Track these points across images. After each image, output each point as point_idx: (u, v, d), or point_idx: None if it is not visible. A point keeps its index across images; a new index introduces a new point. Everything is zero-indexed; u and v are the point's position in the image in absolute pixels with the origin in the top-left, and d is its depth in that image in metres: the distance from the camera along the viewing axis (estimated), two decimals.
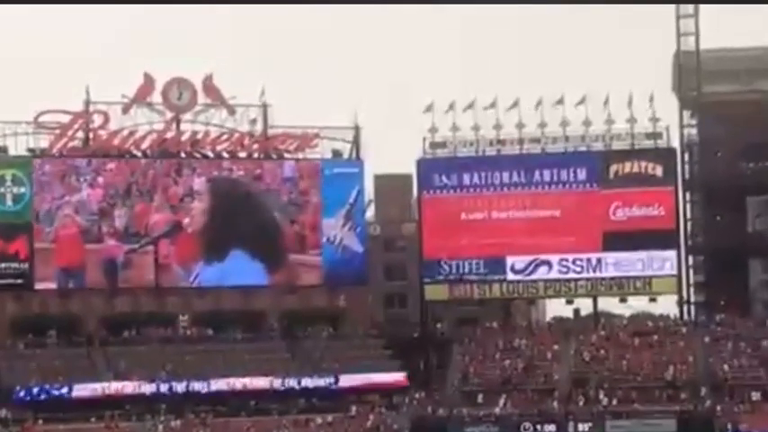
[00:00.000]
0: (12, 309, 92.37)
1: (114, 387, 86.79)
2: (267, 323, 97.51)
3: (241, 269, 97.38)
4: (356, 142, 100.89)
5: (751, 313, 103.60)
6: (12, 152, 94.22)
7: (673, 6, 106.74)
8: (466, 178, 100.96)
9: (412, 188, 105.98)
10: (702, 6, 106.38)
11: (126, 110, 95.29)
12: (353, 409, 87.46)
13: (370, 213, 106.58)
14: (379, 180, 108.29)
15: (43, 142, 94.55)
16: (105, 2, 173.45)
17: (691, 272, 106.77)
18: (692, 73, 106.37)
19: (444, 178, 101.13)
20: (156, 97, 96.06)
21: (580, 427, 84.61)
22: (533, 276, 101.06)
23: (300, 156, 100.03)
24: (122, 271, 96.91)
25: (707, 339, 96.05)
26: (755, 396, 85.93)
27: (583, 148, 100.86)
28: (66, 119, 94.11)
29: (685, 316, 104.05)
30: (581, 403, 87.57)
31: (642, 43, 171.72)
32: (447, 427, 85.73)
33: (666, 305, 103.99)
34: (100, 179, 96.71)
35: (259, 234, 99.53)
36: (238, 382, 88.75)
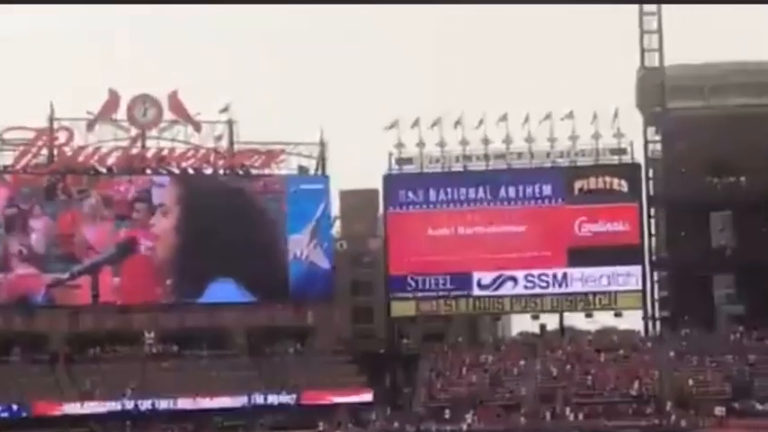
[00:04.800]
0: None
1: (78, 406, 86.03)
2: (233, 340, 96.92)
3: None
4: (322, 158, 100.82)
5: (715, 328, 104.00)
6: None
7: (637, 22, 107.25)
8: (432, 194, 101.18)
9: (378, 204, 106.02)
10: (666, 22, 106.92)
11: (91, 126, 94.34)
12: (320, 425, 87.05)
13: (336, 229, 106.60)
14: (345, 196, 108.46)
15: (8, 159, 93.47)
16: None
17: (655, 287, 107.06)
18: (655, 89, 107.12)
19: (410, 194, 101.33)
20: (122, 114, 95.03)
21: None
22: (499, 292, 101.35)
23: (266, 172, 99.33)
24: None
25: (672, 354, 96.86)
26: (719, 411, 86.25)
27: (548, 164, 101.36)
28: (32, 133, 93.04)
29: (650, 331, 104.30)
30: (548, 418, 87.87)
31: (606, 59, 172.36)
32: None
33: (631, 320, 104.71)
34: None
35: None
36: (204, 401, 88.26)
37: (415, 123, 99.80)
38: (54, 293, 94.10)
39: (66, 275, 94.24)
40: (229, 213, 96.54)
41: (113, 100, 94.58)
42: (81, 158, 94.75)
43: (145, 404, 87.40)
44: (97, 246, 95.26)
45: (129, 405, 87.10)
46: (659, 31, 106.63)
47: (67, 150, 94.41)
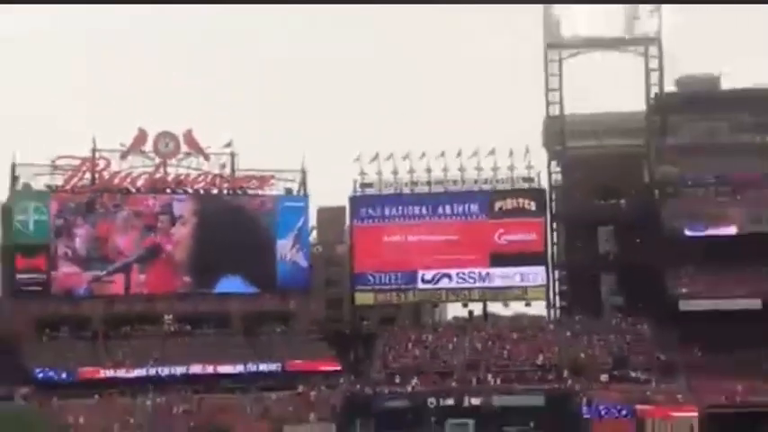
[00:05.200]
0: (34, 309, 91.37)
1: (113, 372, 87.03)
2: (233, 322, 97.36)
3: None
4: (303, 182, 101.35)
5: (601, 315, 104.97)
6: (37, 187, 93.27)
7: (543, 83, 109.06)
8: (387, 211, 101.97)
9: (345, 218, 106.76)
10: (567, 80, 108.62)
11: (124, 156, 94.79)
12: (300, 387, 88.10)
13: (313, 237, 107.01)
14: (321, 211, 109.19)
15: (59, 180, 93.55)
16: None
17: (556, 283, 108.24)
18: (557, 133, 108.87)
19: (370, 211, 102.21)
20: (148, 147, 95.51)
21: (473, 401, 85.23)
22: (437, 286, 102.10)
23: (260, 192, 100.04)
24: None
25: (568, 334, 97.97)
26: (604, 377, 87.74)
27: (475, 189, 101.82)
28: (77, 161, 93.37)
29: (552, 316, 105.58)
30: (473, 383, 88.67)
31: (521, 109, 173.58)
32: (371, 402, 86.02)
33: (538, 308, 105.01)
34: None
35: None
36: (210, 368, 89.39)
37: (374, 157, 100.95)
38: (93, 287, 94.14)
39: (103, 273, 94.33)
40: (232, 224, 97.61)
41: (142, 136, 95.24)
42: (116, 181, 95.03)
43: (164, 371, 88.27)
44: (126, 250, 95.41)
45: (152, 371, 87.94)
46: (560, 89, 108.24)
47: (105, 174, 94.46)
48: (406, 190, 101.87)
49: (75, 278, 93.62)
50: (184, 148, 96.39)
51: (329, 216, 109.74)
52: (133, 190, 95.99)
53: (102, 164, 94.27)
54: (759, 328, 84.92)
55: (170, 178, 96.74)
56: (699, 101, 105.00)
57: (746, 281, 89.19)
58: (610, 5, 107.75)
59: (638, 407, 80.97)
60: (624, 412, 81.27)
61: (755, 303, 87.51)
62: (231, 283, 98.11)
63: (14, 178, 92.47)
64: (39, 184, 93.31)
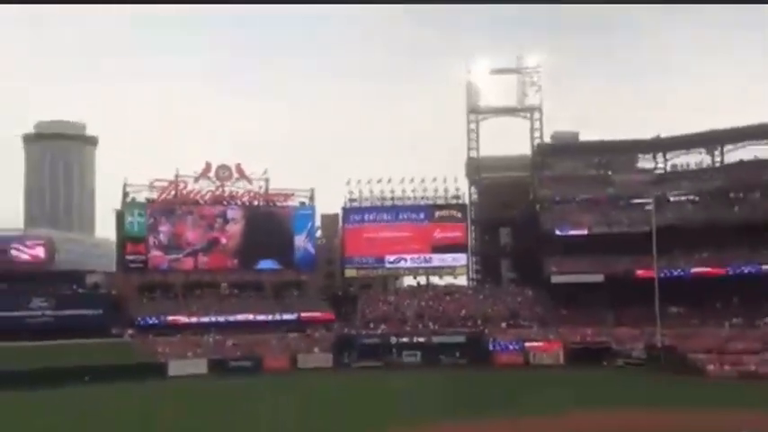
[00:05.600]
0: (137, 279, 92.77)
1: (187, 319, 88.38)
2: (267, 288, 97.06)
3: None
4: (312, 197, 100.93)
5: (502, 284, 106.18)
6: (138, 200, 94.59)
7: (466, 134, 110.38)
8: (366, 217, 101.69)
9: (339, 222, 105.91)
10: (482, 133, 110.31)
11: (196, 180, 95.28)
12: (308, 330, 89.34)
13: (318, 233, 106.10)
14: (324, 217, 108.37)
15: (154, 194, 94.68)
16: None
17: (473, 264, 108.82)
18: (475, 168, 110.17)
19: (356, 217, 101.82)
20: (212, 174, 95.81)
21: (420, 339, 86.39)
22: (398, 266, 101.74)
23: (283, 204, 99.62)
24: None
25: (480, 297, 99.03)
26: (503, 325, 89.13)
27: (422, 203, 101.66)
28: (165, 183, 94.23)
29: (470, 285, 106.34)
30: (419, 327, 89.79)
31: (452, 151, 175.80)
32: (355, 339, 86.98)
33: (461, 280, 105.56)
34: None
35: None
36: (251, 317, 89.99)
37: (358, 182, 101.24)
38: (173, 264, 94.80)
39: (179, 256, 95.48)
40: (266, 225, 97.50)
41: (208, 167, 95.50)
42: (191, 196, 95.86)
43: (221, 319, 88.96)
44: (193, 241, 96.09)
45: (213, 319, 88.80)
46: (477, 140, 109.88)
47: (184, 192, 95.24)
48: (378, 203, 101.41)
49: (160, 259, 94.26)
50: (236, 175, 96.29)
51: (329, 220, 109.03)
52: (202, 202, 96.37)
53: (181, 185, 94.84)
54: (602, 294, 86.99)
55: (226, 194, 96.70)
56: (565, 148, 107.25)
57: (594, 263, 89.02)
58: (508, 84, 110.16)
59: (525, 344, 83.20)
60: (516, 347, 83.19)
61: (599, 278, 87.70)
62: (266, 264, 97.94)
63: (125, 194, 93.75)
64: (140, 197, 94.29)
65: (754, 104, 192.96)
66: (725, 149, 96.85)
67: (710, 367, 70.72)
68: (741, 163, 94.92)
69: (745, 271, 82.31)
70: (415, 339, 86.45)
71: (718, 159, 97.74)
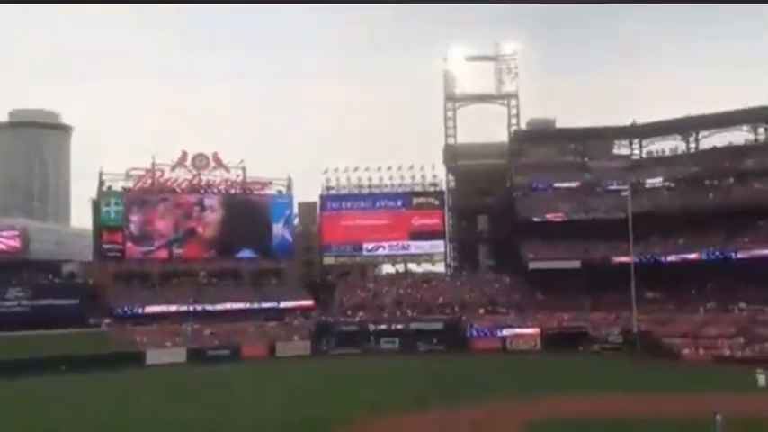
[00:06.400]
0: (114, 268, 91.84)
1: (165, 307, 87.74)
2: (245, 276, 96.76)
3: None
4: (289, 186, 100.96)
5: (479, 271, 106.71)
6: (114, 189, 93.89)
7: (443, 122, 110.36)
8: (343, 205, 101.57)
9: (317, 209, 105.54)
10: (459, 120, 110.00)
11: (173, 168, 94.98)
12: (287, 318, 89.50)
13: (296, 221, 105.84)
14: (301, 205, 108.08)
15: (130, 183, 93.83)
16: None
17: (450, 251, 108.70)
18: (452, 155, 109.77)
19: (333, 204, 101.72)
20: (189, 162, 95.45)
21: (398, 326, 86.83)
22: (376, 253, 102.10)
23: (261, 192, 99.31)
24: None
25: (458, 283, 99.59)
26: (481, 311, 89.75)
27: (400, 191, 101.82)
28: (142, 172, 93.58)
29: (448, 272, 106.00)
30: (398, 315, 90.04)
31: (430, 139, 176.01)
32: (333, 326, 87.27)
33: (439, 267, 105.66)
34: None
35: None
36: (229, 305, 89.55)
37: (335, 171, 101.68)
38: (149, 254, 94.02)
39: (157, 245, 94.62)
40: (245, 213, 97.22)
41: (184, 155, 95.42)
42: (167, 184, 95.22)
43: (199, 307, 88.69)
44: (171, 229, 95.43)
45: (191, 308, 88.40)
46: (454, 127, 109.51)
47: (161, 181, 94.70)
48: (356, 191, 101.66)
49: (134, 250, 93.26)
50: (213, 163, 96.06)
51: (306, 208, 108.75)
52: (179, 191, 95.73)
53: (158, 173, 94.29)
54: (578, 280, 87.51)
55: (203, 183, 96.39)
56: (541, 135, 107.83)
57: (570, 250, 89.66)
58: (485, 72, 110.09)
59: (502, 329, 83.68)
60: (493, 333, 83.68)
61: (576, 264, 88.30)
62: (244, 253, 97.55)
63: (101, 182, 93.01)
64: (117, 186, 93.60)
65: (728, 92, 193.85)
66: (699, 136, 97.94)
67: (686, 351, 71.50)
68: (715, 149, 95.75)
69: (720, 257, 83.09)
70: (393, 326, 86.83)
71: (692, 146, 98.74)
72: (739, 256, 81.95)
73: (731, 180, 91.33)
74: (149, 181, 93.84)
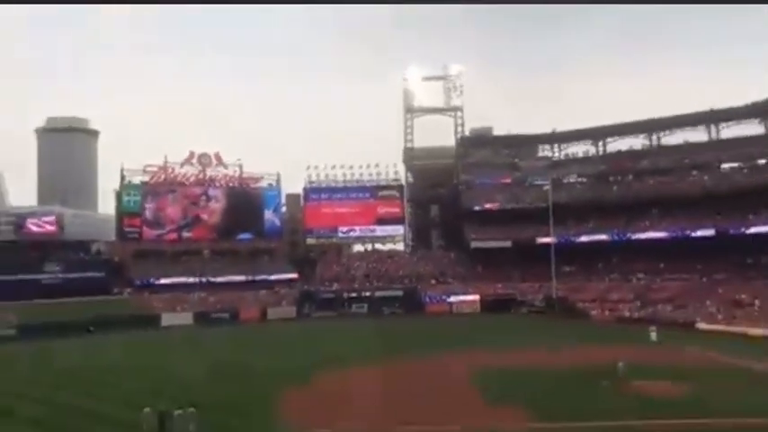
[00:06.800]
0: (133, 247, 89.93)
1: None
2: (243, 254, 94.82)
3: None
4: (278, 180, 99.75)
5: (432, 250, 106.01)
6: (133, 182, 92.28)
7: (403, 129, 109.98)
8: (323, 196, 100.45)
9: (301, 200, 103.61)
10: (416, 128, 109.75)
11: (182, 165, 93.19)
12: (276, 288, 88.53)
13: (283, 209, 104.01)
14: (288, 196, 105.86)
15: (147, 177, 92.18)
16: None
17: (408, 233, 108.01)
18: (410, 156, 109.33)
19: (314, 196, 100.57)
20: (195, 160, 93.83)
21: (366, 293, 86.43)
22: (349, 235, 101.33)
23: (255, 185, 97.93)
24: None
25: (415, 259, 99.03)
26: (432, 281, 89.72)
27: (368, 185, 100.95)
28: (156, 168, 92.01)
29: (407, 250, 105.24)
30: (366, 285, 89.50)
31: (392, 143, 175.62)
32: (314, 294, 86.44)
33: (400, 246, 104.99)
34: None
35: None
36: (230, 278, 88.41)
37: (316, 167, 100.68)
38: (163, 236, 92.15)
39: (169, 229, 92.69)
40: (242, 203, 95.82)
41: (191, 155, 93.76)
42: (178, 179, 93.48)
43: (204, 279, 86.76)
44: (180, 216, 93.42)
45: (198, 280, 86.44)
46: (412, 134, 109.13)
47: (172, 175, 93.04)
48: (333, 185, 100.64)
49: (149, 233, 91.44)
50: (215, 161, 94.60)
51: (293, 199, 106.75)
52: (187, 184, 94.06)
53: (170, 170, 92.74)
54: (510, 256, 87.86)
55: (207, 177, 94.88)
56: (481, 140, 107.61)
57: (504, 232, 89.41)
58: (437, 89, 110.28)
59: (450, 296, 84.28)
60: (443, 298, 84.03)
61: (508, 244, 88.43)
62: (242, 235, 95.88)
63: (122, 177, 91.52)
64: (135, 180, 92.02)
65: (632, 103, 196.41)
66: (607, 141, 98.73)
67: (594, 313, 72.59)
68: (619, 152, 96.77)
69: (622, 238, 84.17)
70: (362, 294, 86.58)
71: (601, 149, 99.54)
72: (636, 237, 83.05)
73: (631, 177, 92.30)
74: (162, 176, 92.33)
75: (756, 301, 61.16)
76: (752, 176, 77.56)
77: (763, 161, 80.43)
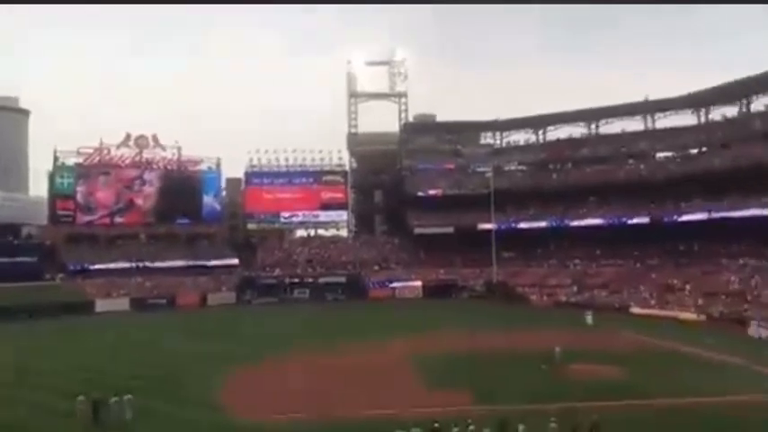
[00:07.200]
0: (66, 231, 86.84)
1: (113, 264, 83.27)
2: (181, 239, 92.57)
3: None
4: (218, 164, 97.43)
5: (375, 235, 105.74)
6: (68, 164, 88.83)
7: (347, 114, 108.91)
8: (265, 180, 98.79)
9: (242, 184, 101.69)
10: (360, 114, 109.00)
11: (118, 147, 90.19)
12: (216, 273, 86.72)
13: (223, 193, 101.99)
14: (229, 180, 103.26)
15: (81, 159, 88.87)
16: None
17: (352, 219, 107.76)
18: (354, 142, 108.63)
19: (256, 180, 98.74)
20: (132, 142, 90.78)
21: (309, 279, 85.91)
22: (291, 220, 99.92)
23: (194, 169, 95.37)
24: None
25: (358, 245, 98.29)
26: (375, 267, 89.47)
27: (311, 170, 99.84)
28: (91, 150, 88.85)
29: (350, 236, 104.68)
30: (309, 271, 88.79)
31: (336, 128, 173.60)
32: (255, 280, 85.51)
33: (344, 232, 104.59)
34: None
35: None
36: (168, 263, 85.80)
37: (258, 151, 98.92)
38: (97, 220, 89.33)
39: (94, 216, 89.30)
40: (180, 187, 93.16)
41: (128, 136, 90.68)
42: (113, 161, 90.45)
43: (141, 264, 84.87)
44: (115, 200, 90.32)
45: (134, 265, 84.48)
46: (356, 119, 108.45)
47: (107, 157, 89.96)
48: (275, 169, 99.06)
49: (81, 217, 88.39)
50: (152, 143, 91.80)
51: (233, 183, 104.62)
52: (123, 166, 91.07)
53: (105, 152, 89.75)
54: (452, 242, 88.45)
55: (143, 160, 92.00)
56: (425, 127, 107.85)
57: (446, 218, 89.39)
58: (381, 74, 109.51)
59: (393, 282, 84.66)
60: (386, 284, 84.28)
61: (450, 230, 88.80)
62: (180, 220, 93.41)
63: (56, 158, 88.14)
64: (69, 161, 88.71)
65: (573, 92, 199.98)
66: (547, 130, 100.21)
67: (533, 297, 74.13)
68: (558, 141, 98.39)
69: (560, 225, 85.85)
70: (305, 280, 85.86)
71: (541, 138, 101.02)
72: (574, 224, 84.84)
73: (570, 165, 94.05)
74: (97, 158, 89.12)
75: (687, 287, 63.35)
76: (685, 165, 80.00)
77: (695, 151, 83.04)
